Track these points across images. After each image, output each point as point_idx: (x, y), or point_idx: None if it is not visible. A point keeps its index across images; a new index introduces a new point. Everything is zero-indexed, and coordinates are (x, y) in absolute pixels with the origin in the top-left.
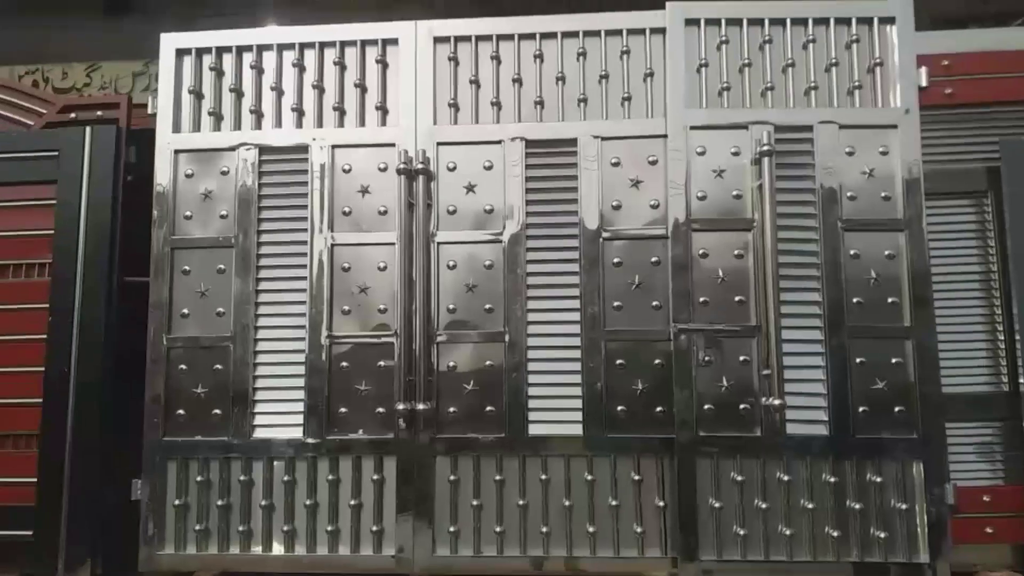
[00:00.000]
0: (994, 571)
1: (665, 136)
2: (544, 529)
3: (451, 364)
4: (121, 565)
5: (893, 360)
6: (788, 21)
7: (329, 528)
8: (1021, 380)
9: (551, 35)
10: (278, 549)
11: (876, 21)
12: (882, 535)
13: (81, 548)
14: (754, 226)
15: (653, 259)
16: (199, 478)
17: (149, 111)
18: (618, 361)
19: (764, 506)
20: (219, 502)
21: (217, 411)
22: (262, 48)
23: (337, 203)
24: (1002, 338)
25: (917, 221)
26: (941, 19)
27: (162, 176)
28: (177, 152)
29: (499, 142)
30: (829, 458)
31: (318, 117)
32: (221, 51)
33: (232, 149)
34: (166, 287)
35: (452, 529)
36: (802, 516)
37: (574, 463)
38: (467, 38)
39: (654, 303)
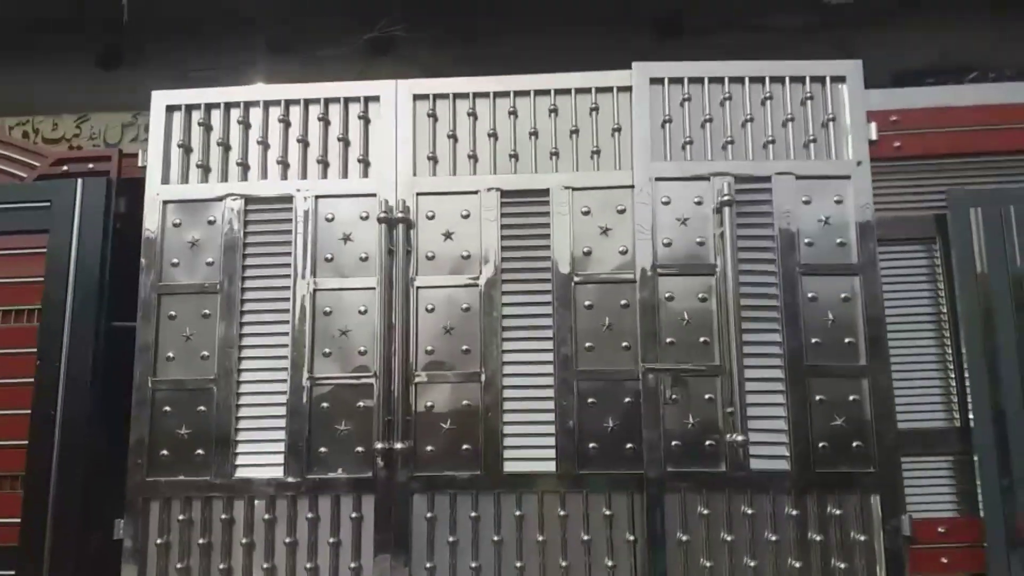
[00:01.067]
0: None
1: (632, 187)
2: (518, 564)
3: (429, 404)
4: None
5: (851, 397)
6: (747, 79)
7: (308, 566)
8: (970, 416)
9: (524, 93)
10: None
11: (828, 79)
12: (843, 566)
13: None
14: (717, 271)
15: (622, 302)
16: (181, 517)
17: (139, 163)
18: (590, 400)
19: (730, 539)
20: (200, 541)
21: (200, 451)
22: (249, 104)
23: (320, 250)
24: (953, 376)
25: (871, 266)
26: (902, 72)
27: (150, 225)
28: (165, 203)
29: (476, 192)
30: (791, 492)
31: (302, 169)
32: (210, 107)
33: (219, 199)
34: (152, 331)
35: (428, 565)
36: (766, 548)
37: (547, 499)
38: (445, 95)
39: (624, 344)
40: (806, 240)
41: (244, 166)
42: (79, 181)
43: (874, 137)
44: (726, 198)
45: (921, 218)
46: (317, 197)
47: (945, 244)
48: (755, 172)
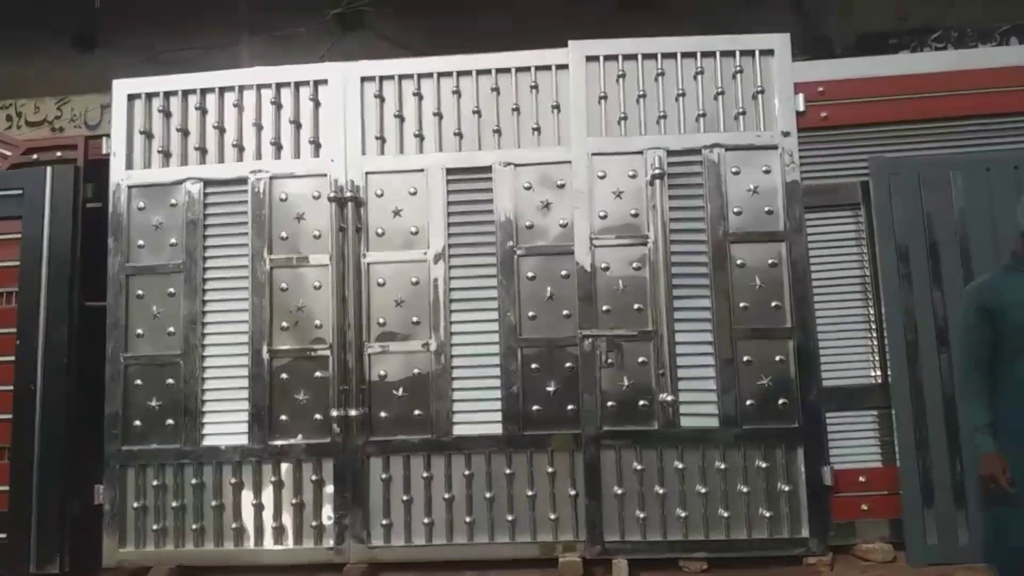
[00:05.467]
0: (871, 543)
1: (570, 162)
2: (468, 519)
3: (382, 373)
4: (87, 563)
5: (777, 358)
6: (679, 55)
7: (274, 524)
8: (889, 373)
9: (467, 72)
10: (228, 545)
11: (757, 53)
12: (768, 514)
13: (50, 548)
14: (650, 241)
15: (563, 272)
16: (155, 482)
17: (103, 151)
18: (533, 365)
19: (662, 491)
20: (174, 503)
21: (170, 421)
22: (205, 91)
23: (275, 229)
24: (875, 335)
25: (797, 232)
26: (867, 34)
27: (117, 209)
28: (130, 187)
29: (422, 170)
30: (720, 447)
31: (257, 151)
32: (168, 94)
33: (179, 183)
34: (122, 310)
35: (385, 522)
36: (696, 499)
37: (495, 459)
38: (391, 77)
39: (564, 312)
40: (735, 209)
41: (202, 150)
42: (48, 169)
43: (801, 108)
44: (657, 171)
45: (847, 185)
46: (271, 178)
47: (869, 210)
48: (687, 145)
